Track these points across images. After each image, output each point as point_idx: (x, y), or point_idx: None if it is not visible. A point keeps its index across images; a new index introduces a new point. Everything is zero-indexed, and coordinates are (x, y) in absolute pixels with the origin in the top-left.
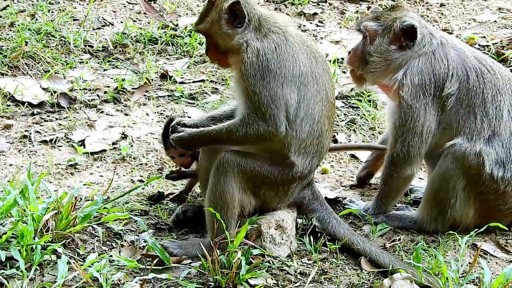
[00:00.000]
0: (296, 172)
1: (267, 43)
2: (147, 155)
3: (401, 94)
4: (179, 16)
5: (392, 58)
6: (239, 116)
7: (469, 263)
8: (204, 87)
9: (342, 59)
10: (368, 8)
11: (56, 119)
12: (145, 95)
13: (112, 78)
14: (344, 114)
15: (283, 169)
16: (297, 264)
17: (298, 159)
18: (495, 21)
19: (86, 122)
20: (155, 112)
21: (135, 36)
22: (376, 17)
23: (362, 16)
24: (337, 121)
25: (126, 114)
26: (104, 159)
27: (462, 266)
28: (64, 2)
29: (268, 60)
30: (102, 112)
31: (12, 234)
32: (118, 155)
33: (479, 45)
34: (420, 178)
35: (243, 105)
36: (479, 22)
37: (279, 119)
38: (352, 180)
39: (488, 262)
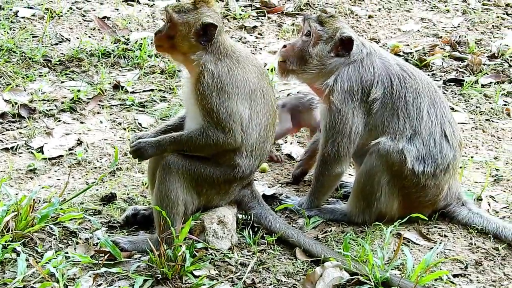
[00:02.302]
0: (238, 173)
1: (221, 66)
2: (100, 159)
3: (331, 99)
4: (131, 31)
5: (327, 64)
6: (197, 126)
7: (394, 250)
8: (153, 96)
9: None
10: None
11: (17, 128)
12: (99, 104)
13: (68, 90)
14: None
15: (226, 170)
16: (238, 255)
17: (243, 161)
18: (418, 30)
19: (45, 130)
20: (108, 120)
21: (90, 51)
22: (322, 22)
23: (309, 15)
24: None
25: (81, 122)
26: (61, 164)
27: (387, 253)
28: (24, 21)
29: (222, 82)
30: (59, 120)
31: None
32: (74, 160)
33: (403, 52)
34: (349, 174)
35: (202, 118)
36: (403, 32)
37: (237, 131)
38: (288, 178)
39: (411, 249)
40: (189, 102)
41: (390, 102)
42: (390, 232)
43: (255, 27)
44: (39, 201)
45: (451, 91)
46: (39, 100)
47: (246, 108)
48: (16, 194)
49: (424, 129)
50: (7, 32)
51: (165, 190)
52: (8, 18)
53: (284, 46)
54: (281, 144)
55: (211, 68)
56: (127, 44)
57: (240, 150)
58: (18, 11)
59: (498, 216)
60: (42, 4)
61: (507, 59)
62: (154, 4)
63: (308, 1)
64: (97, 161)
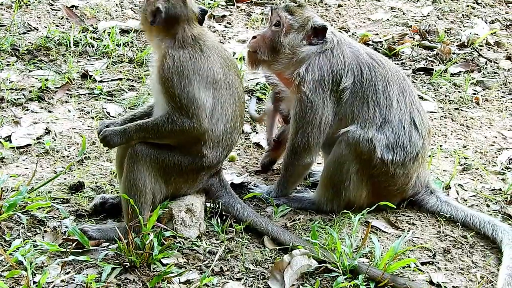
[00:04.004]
0: (206, 162)
1: (183, 53)
2: (69, 148)
3: (302, 89)
4: (99, 20)
5: (299, 52)
6: (163, 113)
7: (362, 238)
8: (122, 85)
9: None
10: None
11: None
12: (67, 93)
13: (36, 79)
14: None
15: (194, 159)
16: (206, 244)
17: (210, 152)
18: (388, 19)
19: (13, 119)
20: (77, 109)
21: (58, 40)
22: (291, 11)
23: (276, 5)
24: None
25: (49, 111)
26: (29, 153)
27: (355, 241)
28: None
29: (183, 67)
30: (27, 109)
31: None
32: (42, 149)
33: (373, 41)
34: (318, 163)
35: (167, 104)
36: (373, 21)
37: (202, 116)
38: (256, 167)
39: (379, 237)
40: (155, 89)
41: (360, 91)
42: (358, 220)
43: (224, 16)
44: (7, 189)
45: (420, 80)
46: (6, 89)
47: (209, 97)
48: None
49: (394, 118)
50: None
51: (133, 178)
52: None
53: (254, 37)
54: (250, 133)
55: (172, 53)
56: (95, 33)
57: (206, 141)
58: None
59: (466, 205)
60: None
61: (477, 48)
62: None
63: None
64: (65, 150)
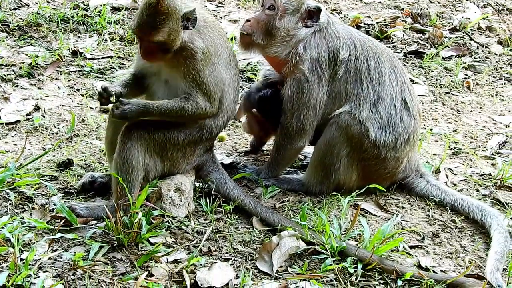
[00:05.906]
0: (205, 134)
1: (205, 39)
2: (58, 125)
3: (301, 68)
4: None
5: (295, 34)
6: (186, 96)
7: (351, 221)
8: (112, 62)
9: None
10: None
11: None
12: (57, 70)
13: (27, 55)
14: (241, 87)
15: (191, 131)
16: (194, 223)
17: (214, 123)
18: (380, 1)
19: (2, 95)
20: (66, 86)
21: (48, 16)
22: None
23: None
24: None
25: (39, 88)
26: (18, 129)
27: (344, 224)
28: None
29: (210, 53)
30: (17, 86)
31: None
32: (31, 125)
33: (365, 23)
34: (308, 144)
35: (191, 89)
36: (365, 3)
37: (218, 99)
38: (246, 147)
39: (368, 220)
40: (175, 73)
41: (354, 67)
42: (348, 202)
43: None
44: None
45: (412, 63)
46: None
47: (227, 74)
48: None
49: (386, 95)
50: None
51: (126, 155)
52: None
53: (248, 21)
54: None
55: (200, 44)
56: (87, 10)
57: (216, 113)
58: None
59: (456, 189)
60: None
61: (468, 32)
62: None
63: None
64: (54, 127)
